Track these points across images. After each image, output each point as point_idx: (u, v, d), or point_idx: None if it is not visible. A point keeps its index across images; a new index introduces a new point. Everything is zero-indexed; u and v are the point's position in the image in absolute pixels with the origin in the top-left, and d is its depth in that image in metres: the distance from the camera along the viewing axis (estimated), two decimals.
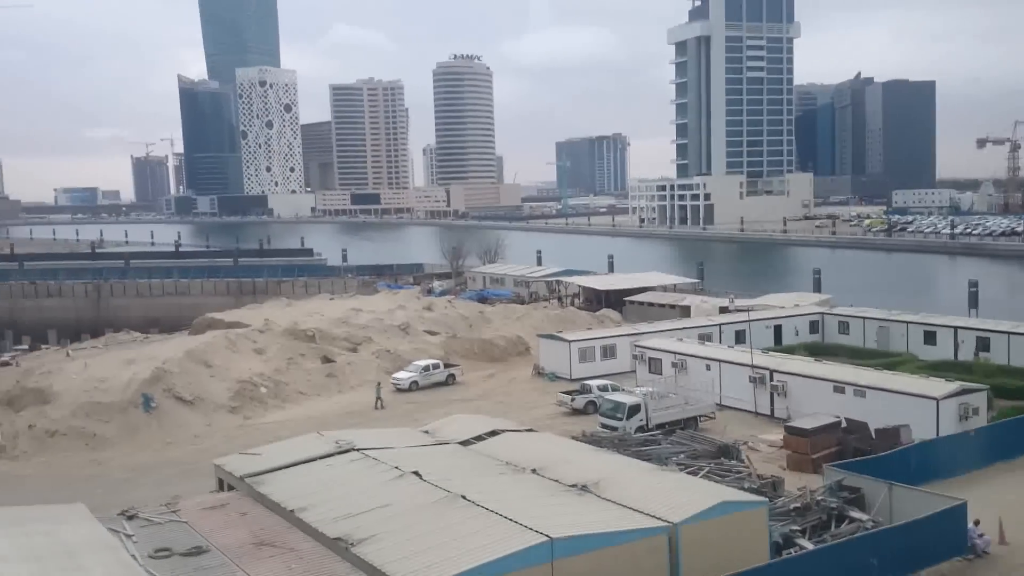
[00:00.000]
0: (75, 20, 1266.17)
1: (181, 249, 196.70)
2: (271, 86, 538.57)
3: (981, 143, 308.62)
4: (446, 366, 61.70)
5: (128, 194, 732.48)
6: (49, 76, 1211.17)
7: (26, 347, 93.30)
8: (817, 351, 60.23)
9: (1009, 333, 57.74)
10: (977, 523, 28.85)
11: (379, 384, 56.69)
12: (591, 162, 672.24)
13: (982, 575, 27.19)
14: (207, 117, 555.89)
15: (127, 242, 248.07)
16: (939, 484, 33.96)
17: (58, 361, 64.56)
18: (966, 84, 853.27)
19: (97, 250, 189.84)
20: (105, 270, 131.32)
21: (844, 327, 67.35)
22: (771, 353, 54.87)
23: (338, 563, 22.73)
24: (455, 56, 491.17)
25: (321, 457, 31.63)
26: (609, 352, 61.25)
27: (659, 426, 42.58)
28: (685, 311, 79.56)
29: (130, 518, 26.08)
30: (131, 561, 22.61)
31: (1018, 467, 37.36)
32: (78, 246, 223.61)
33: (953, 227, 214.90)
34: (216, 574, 22.12)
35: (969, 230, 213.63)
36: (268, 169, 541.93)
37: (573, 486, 28.08)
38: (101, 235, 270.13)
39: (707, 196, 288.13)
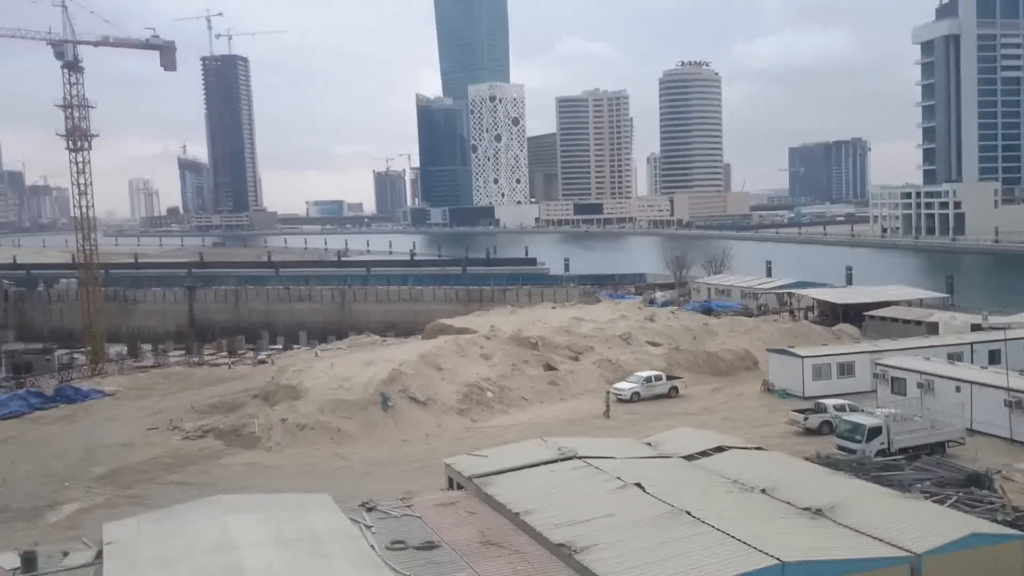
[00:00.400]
0: (325, 44, 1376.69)
1: (416, 258, 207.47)
2: (500, 101, 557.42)
3: None
4: (669, 378, 60.92)
5: (370, 206, 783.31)
6: (302, 97, 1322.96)
7: (280, 347, 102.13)
8: None
9: None
10: None
11: (608, 393, 56.94)
12: (827, 168, 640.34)
13: None
14: (441, 132, 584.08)
15: (368, 251, 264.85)
16: None
17: (308, 360, 69.97)
18: None
19: (342, 258, 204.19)
20: (349, 277, 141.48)
21: None
22: None
23: (562, 569, 22.98)
24: (682, 63, 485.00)
25: (545, 463, 32.14)
26: (847, 370, 58.02)
27: (902, 450, 39.78)
28: (932, 328, 73.87)
29: (369, 510, 27.72)
30: (370, 551, 24.02)
31: None
32: (326, 254, 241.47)
33: None
34: (447, 569, 23.04)
35: None
36: (495, 181, 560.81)
37: (806, 509, 26.77)
38: (346, 244, 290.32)
39: (957, 204, 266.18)
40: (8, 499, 41.61)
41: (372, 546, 24.43)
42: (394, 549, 24.26)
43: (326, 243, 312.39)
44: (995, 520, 28.32)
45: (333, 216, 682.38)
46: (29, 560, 22.71)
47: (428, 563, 23.44)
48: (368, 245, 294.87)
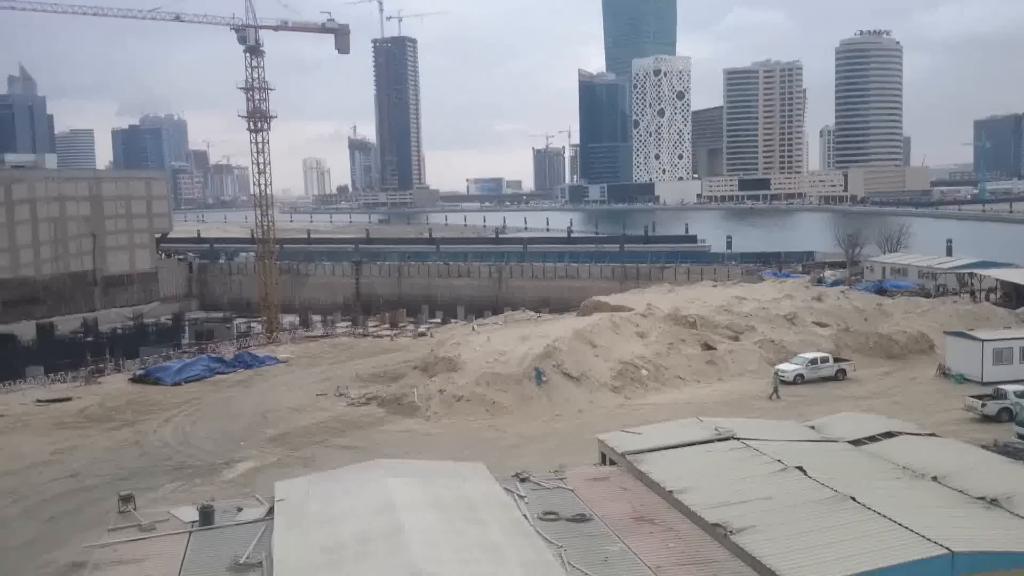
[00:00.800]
0: (489, 24, 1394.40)
1: (572, 235, 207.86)
2: (665, 74, 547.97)
3: None
4: (836, 360, 58.44)
5: (528, 183, 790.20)
6: (465, 77, 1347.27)
7: (439, 320, 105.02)
8: None
9: None
10: None
11: (776, 373, 55.29)
12: (1015, 143, 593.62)
13: None
14: (602, 108, 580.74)
15: (526, 228, 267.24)
16: None
17: (465, 334, 71.53)
18: None
19: (500, 235, 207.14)
20: (506, 253, 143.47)
21: None
22: None
23: (716, 548, 22.57)
24: (860, 32, 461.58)
25: (701, 442, 31.59)
26: None
27: None
28: None
29: (523, 480, 28.09)
30: (523, 520, 24.35)
31: None
32: (484, 231, 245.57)
33: None
34: (599, 542, 23.06)
35: None
36: (657, 157, 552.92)
37: (980, 499, 25.26)
38: (504, 221, 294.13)
39: None
40: (188, 457, 44.78)
41: (525, 515, 24.75)
42: (546, 519, 24.49)
43: (484, 220, 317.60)
44: None
45: (492, 194, 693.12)
46: (206, 514, 24.29)
47: (580, 535, 23.53)
48: (525, 222, 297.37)
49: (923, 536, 21.81)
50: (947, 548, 21.01)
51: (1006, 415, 43.64)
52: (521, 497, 26.52)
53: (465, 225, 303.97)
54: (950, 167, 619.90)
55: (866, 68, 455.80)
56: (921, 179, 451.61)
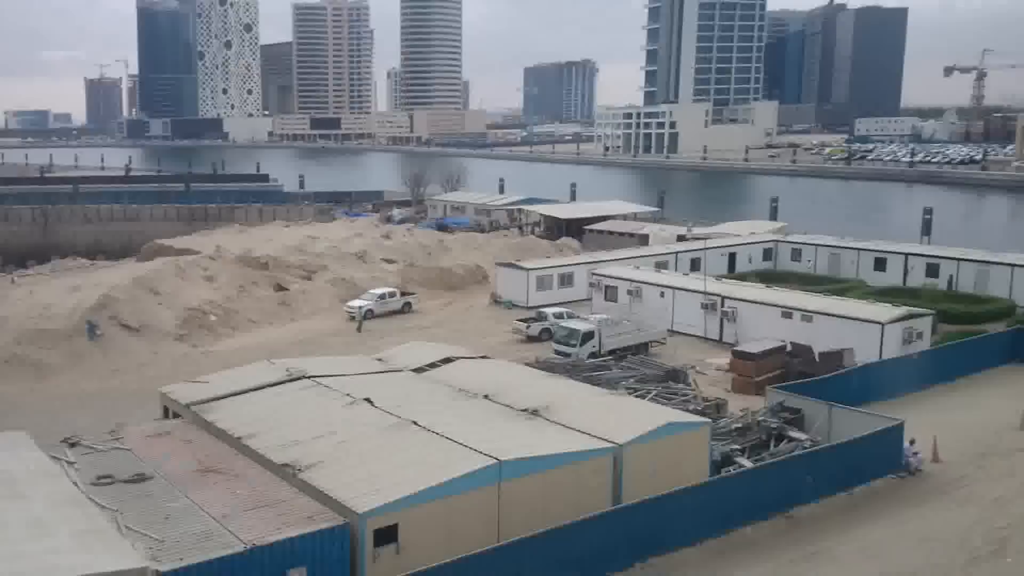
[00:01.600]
0: None
1: (131, 174, 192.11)
2: (231, 5, 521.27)
3: (948, 71, 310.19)
4: (403, 294, 61.43)
5: (80, 117, 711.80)
6: None
7: None
8: (769, 278, 61.06)
9: (958, 260, 58.78)
10: (912, 442, 29.66)
11: (360, 308, 56.47)
12: (559, 89, 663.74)
13: (913, 492, 28.04)
14: (164, 38, 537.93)
15: (76, 167, 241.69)
16: (879, 405, 34.86)
17: (3, 287, 63.22)
18: (942, 11, 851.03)
19: (45, 174, 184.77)
20: (53, 195, 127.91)
21: (796, 254, 68.14)
22: (724, 280, 55.45)
23: (285, 488, 22.80)
24: None
25: (271, 385, 31.48)
26: (567, 280, 61.36)
27: (611, 352, 42.95)
28: (643, 239, 79.74)
29: (72, 445, 25.82)
30: (72, 488, 22.47)
31: (957, 389, 38.43)
32: (27, 170, 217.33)
33: (912, 155, 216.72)
34: (160, 500, 22.05)
35: (928, 158, 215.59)
36: (224, 91, 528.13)
37: (524, 411, 28.41)
38: (51, 159, 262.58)
39: (672, 124, 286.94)
40: None
41: (75, 483, 22.86)
42: (100, 484, 22.84)
43: (27, 157, 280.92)
44: (687, 410, 31.49)
45: (37, 128, 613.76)
46: None
47: (139, 495, 22.32)
48: (76, 160, 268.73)
49: (476, 450, 24.18)
50: (496, 458, 23.54)
51: (547, 335, 49.23)
52: (71, 463, 24.41)
53: (2, 163, 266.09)
54: (505, 111, 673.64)
55: (430, 12, 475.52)
56: (479, 122, 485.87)
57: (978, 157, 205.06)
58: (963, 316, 50.16)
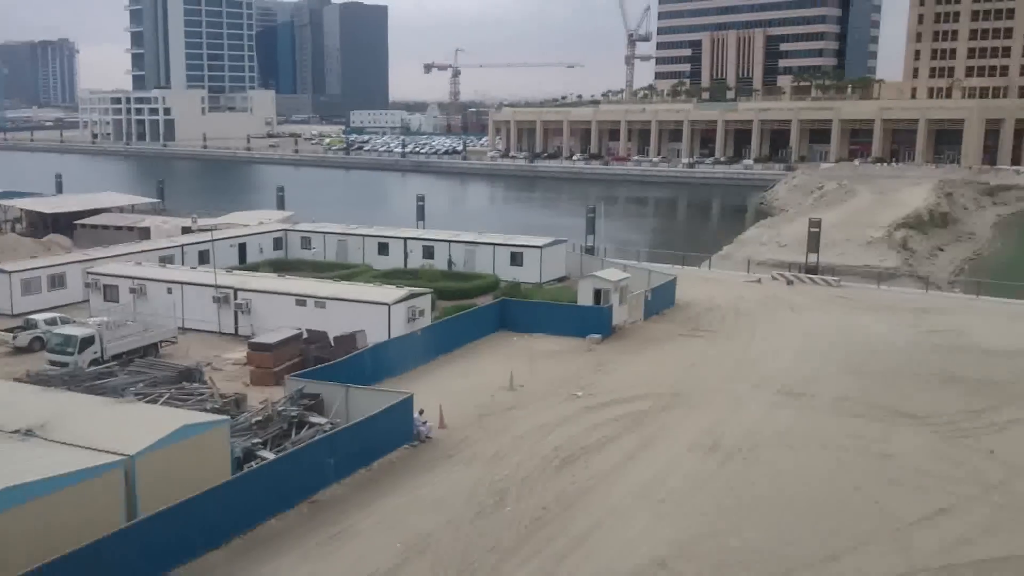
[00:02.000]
0: None
1: None
2: None
3: (427, 68, 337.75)
4: None
5: None
6: None
7: None
8: (281, 267, 61.51)
9: (449, 241, 64.75)
10: (421, 412, 32.18)
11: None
12: (34, 70, 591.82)
13: (426, 457, 30.47)
14: None
15: None
16: (392, 381, 37.27)
17: None
18: (417, 9, 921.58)
19: None
20: None
21: (306, 242, 69.50)
22: (235, 272, 54.52)
23: None
24: None
25: None
26: (58, 282, 55.24)
27: (116, 357, 39.77)
28: (144, 233, 75.00)
29: None
30: None
31: (455, 358, 42.49)
32: None
33: (404, 146, 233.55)
34: None
35: (418, 149, 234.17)
36: None
37: (16, 431, 25.18)
38: None
39: (167, 111, 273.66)
40: None
41: None
42: None
43: None
44: (205, 409, 30.44)
45: None
46: None
47: None
48: None
49: None
50: None
51: (39, 344, 43.93)
52: None
53: None
54: None
55: None
56: None
57: (459, 148, 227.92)
58: (457, 292, 55.47)
